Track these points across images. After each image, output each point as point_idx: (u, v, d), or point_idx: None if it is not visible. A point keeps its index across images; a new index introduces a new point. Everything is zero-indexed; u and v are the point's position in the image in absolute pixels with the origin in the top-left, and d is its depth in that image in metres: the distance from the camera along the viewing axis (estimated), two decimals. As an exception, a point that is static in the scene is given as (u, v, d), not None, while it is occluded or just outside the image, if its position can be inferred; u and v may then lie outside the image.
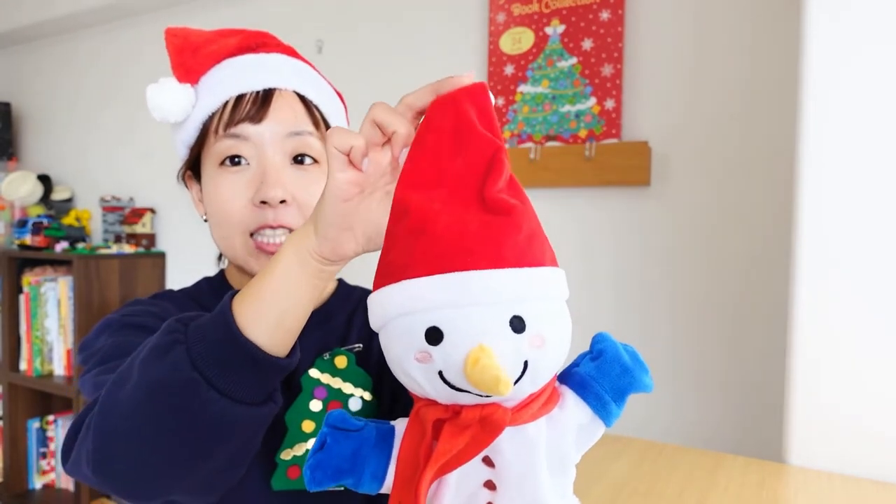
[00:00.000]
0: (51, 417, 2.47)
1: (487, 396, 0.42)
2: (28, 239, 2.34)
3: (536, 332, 0.42)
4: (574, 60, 1.60)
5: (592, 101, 1.58)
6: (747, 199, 1.43)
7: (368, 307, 0.46)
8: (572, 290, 0.48)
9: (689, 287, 1.49)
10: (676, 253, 1.50)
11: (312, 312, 0.73)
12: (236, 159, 0.64)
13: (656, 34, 1.53)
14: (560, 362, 0.45)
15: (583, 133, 1.60)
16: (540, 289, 0.43)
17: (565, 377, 0.48)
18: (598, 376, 0.46)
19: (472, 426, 0.43)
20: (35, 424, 2.44)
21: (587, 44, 1.58)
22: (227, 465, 0.52)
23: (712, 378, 1.46)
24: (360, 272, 0.85)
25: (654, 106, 1.53)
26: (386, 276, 0.44)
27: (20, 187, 2.68)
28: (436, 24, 1.85)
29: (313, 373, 0.68)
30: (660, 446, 1.04)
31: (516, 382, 0.41)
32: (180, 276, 2.44)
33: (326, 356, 0.69)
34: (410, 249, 0.43)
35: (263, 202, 0.63)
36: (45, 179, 2.77)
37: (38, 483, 2.49)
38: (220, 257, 0.77)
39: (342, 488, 0.67)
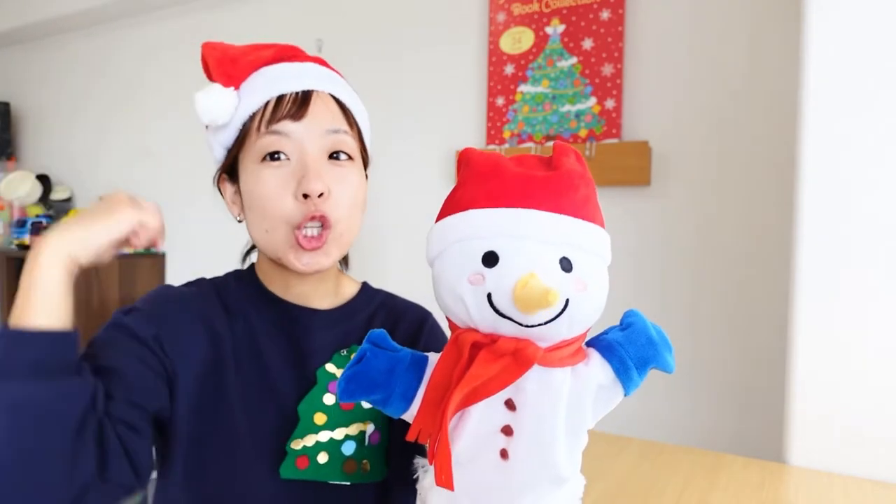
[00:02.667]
0: (50, 417, 2.46)
1: (527, 327, 0.45)
2: (27, 239, 2.35)
3: (581, 277, 0.46)
4: (574, 60, 1.60)
5: (592, 100, 1.58)
6: (747, 199, 1.43)
7: (427, 238, 0.51)
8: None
9: (689, 287, 1.49)
10: (677, 253, 1.50)
11: (334, 309, 0.76)
12: (276, 155, 0.67)
13: (656, 34, 1.53)
14: (595, 316, 0.48)
15: (583, 133, 1.59)
16: (588, 241, 0.48)
17: (593, 343, 0.51)
18: (625, 343, 0.49)
19: (506, 356, 0.46)
20: (34, 424, 2.44)
21: (587, 43, 1.58)
22: (55, 461, 0.52)
23: (713, 378, 1.46)
24: (373, 275, 0.85)
25: (654, 106, 1.53)
26: (450, 208, 0.50)
27: (19, 187, 2.67)
28: (436, 24, 1.85)
29: (330, 367, 0.71)
30: (660, 446, 1.04)
31: (555, 319, 0.44)
32: (180, 276, 2.43)
33: (344, 352, 0.72)
34: (478, 188, 0.49)
35: (305, 195, 0.66)
36: (44, 179, 2.76)
37: (37, 483, 2.48)
38: (245, 255, 0.79)
39: (347, 483, 0.68)
